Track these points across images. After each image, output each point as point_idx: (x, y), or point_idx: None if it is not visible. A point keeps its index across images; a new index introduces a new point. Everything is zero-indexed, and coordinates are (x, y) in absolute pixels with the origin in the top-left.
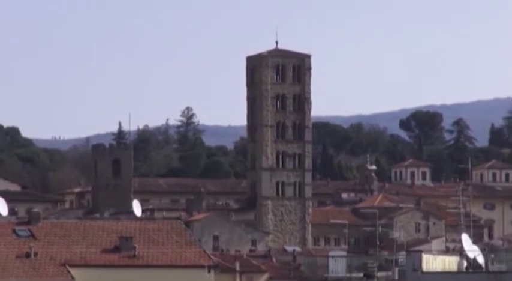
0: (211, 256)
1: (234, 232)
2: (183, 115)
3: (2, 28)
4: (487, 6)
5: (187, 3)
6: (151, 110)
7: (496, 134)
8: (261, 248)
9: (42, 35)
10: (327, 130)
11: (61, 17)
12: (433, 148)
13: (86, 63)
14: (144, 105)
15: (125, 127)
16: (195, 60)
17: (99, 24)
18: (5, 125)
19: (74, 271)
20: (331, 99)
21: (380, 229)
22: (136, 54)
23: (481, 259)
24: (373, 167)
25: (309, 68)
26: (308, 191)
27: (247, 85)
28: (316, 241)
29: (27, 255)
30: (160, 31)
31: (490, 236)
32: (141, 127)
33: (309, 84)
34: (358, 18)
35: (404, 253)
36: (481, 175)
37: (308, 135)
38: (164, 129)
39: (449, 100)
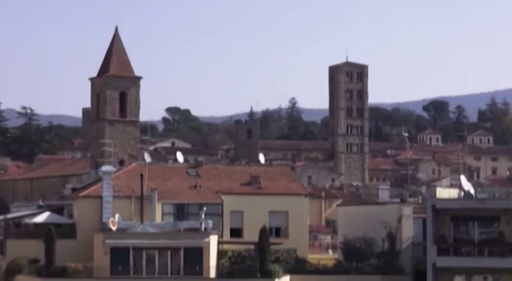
0: (307, 188)
1: (321, 174)
2: (290, 102)
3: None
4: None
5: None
6: (271, 97)
7: (482, 114)
8: (337, 183)
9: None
10: (378, 112)
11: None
12: (443, 123)
13: (233, 68)
14: (266, 95)
15: (255, 109)
16: (301, 67)
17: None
18: (182, 107)
19: (223, 197)
20: (380, 92)
21: (410, 172)
22: (265, 63)
23: (472, 191)
24: (406, 134)
25: (367, 73)
26: (366, 149)
27: (329, 83)
28: (371, 179)
29: (195, 186)
30: (275, 49)
31: (478, 177)
32: (264, 109)
33: (367, 83)
34: (397, 40)
35: (425, 187)
36: (472, 139)
37: (366, 115)
38: (278, 110)
39: (453, 93)
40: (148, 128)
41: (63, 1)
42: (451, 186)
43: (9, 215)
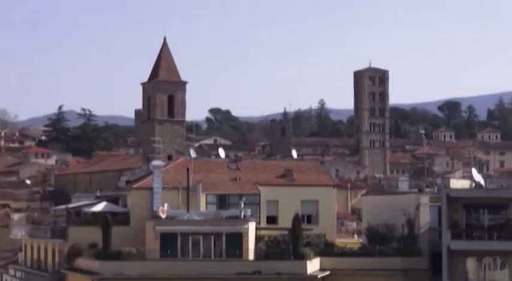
0: (335, 180)
1: (347, 167)
2: (319, 103)
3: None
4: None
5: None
6: (302, 99)
7: (490, 114)
8: (361, 175)
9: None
10: (397, 111)
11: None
12: (456, 121)
13: (265, 76)
14: (298, 97)
15: (288, 109)
16: (329, 72)
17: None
18: (223, 108)
19: (260, 188)
20: (399, 94)
21: (427, 165)
22: (297, 68)
23: (482, 182)
24: (423, 131)
25: (388, 77)
26: (387, 145)
27: (354, 86)
28: (391, 171)
29: (235, 179)
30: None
31: (487, 169)
32: (296, 109)
33: (388, 86)
34: (415, 47)
35: (440, 178)
36: (482, 136)
37: (387, 114)
38: (309, 111)
39: (465, 94)
40: (193, 127)
41: (119, 16)
42: (463, 177)
43: (71, 205)
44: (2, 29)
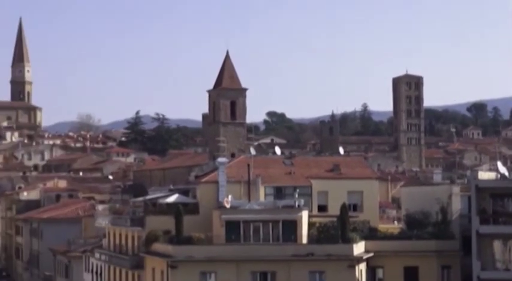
0: (377, 173)
1: (387, 162)
2: (363, 106)
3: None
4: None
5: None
6: (348, 103)
7: None
8: (400, 169)
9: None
10: (431, 113)
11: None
12: (483, 121)
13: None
14: (344, 100)
15: (335, 112)
16: (371, 79)
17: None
18: (278, 111)
19: (312, 181)
20: (433, 97)
21: (458, 159)
22: (343, 76)
23: (507, 174)
24: (454, 130)
25: (422, 83)
26: (422, 142)
27: (393, 91)
28: (426, 165)
29: (290, 173)
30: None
31: (511, 163)
32: (342, 112)
33: (422, 90)
34: (446, 55)
35: (469, 171)
36: (506, 133)
37: (422, 115)
38: (354, 113)
39: (490, 97)
40: (252, 128)
41: (187, 32)
42: (490, 170)
43: (148, 197)
44: (90, 44)
